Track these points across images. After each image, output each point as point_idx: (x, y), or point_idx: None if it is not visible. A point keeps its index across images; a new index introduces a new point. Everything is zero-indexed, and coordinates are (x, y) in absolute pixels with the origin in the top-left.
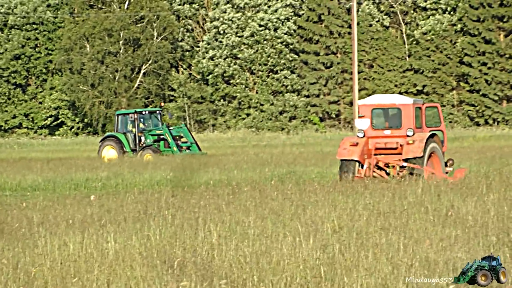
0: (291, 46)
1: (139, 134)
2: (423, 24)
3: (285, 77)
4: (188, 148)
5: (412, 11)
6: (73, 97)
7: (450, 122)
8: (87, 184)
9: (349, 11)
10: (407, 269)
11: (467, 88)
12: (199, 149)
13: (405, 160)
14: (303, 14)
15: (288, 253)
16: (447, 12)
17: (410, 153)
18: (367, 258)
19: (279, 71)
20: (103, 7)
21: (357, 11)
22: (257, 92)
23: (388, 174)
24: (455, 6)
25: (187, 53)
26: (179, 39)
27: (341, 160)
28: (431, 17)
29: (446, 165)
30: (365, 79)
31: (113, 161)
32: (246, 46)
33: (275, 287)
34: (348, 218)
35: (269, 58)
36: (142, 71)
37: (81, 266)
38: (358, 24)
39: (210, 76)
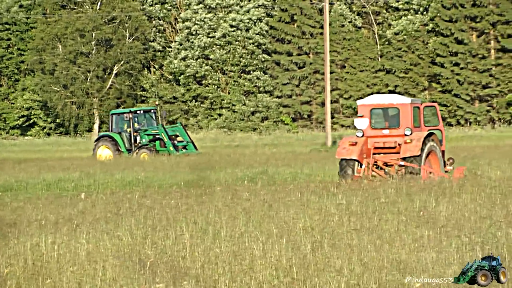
0: (263, 47)
1: (135, 134)
2: (395, 24)
3: (257, 78)
4: (184, 147)
5: (384, 12)
6: (45, 98)
7: None
8: (59, 184)
9: (321, 11)
10: (379, 269)
11: (439, 88)
12: (196, 148)
13: (403, 159)
14: (275, 14)
15: (260, 254)
16: (419, 13)
17: (407, 152)
18: (339, 258)
19: (251, 72)
20: (75, 7)
21: (329, 11)
22: (229, 93)
23: (386, 173)
24: (427, 7)
25: (159, 53)
26: (151, 39)
27: (341, 159)
28: (403, 17)
29: (445, 164)
30: (337, 79)
31: (109, 160)
32: (218, 46)
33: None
34: (320, 219)
35: (241, 59)
36: (114, 72)
37: (53, 266)
38: (330, 24)
39: (182, 76)
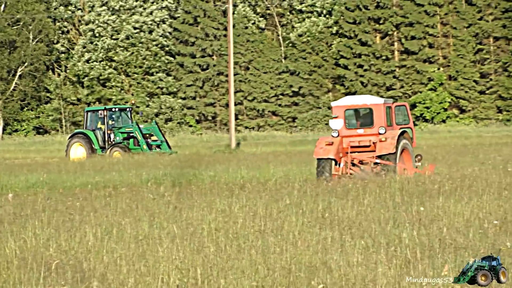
0: (166, 49)
1: (108, 132)
2: (298, 26)
3: (161, 79)
4: (158, 146)
5: (288, 14)
6: None
7: (326, 124)
8: None
9: (224, 13)
10: (283, 270)
11: (343, 90)
12: (169, 147)
13: (379, 157)
14: (178, 16)
15: (164, 255)
16: (322, 15)
17: (383, 150)
18: (243, 260)
19: (154, 73)
20: None
21: (233, 13)
22: (132, 95)
23: (362, 170)
24: (330, 9)
25: (63, 55)
26: (55, 41)
27: (318, 159)
28: (306, 19)
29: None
30: (241, 81)
31: (82, 160)
32: (121, 48)
33: None
34: (224, 220)
35: (144, 61)
36: (18, 73)
37: None
38: (234, 26)
39: (86, 78)
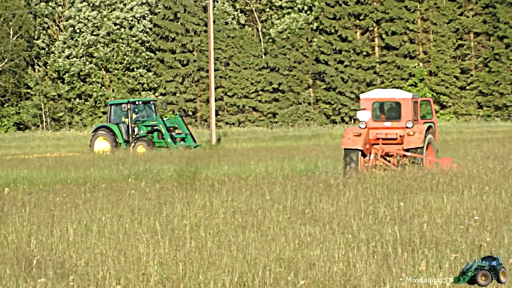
0: (147, 44)
1: (132, 125)
2: (279, 23)
3: (141, 75)
4: (182, 139)
5: (267, 10)
6: None
7: (307, 120)
8: None
9: (205, 9)
10: (264, 266)
11: (323, 86)
12: (194, 141)
13: (406, 150)
14: (159, 12)
15: (145, 251)
16: (303, 11)
17: (411, 144)
18: (224, 255)
19: (135, 69)
20: None
21: (213, 9)
22: (113, 91)
23: (389, 161)
24: (311, 5)
25: (43, 51)
26: (35, 37)
27: (345, 149)
28: (286, 15)
29: None
30: (221, 77)
31: (106, 153)
32: (102, 44)
33: (132, 285)
34: (205, 216)
35: (125, 57)
36: None
37: None
38: (214, 22)
39: (67, 74)
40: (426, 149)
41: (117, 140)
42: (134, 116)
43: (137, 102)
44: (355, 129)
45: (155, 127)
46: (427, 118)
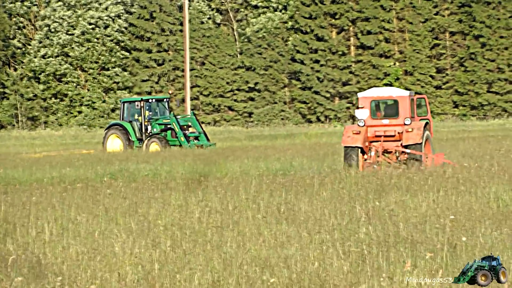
0: (122, 44)
1: (146, 123)
2: (254, 22)
3: (117, 74)
4: (196, 138)
5: (243, 9)
6: None
7: (282, 119)
8: None
9: (180, 8)
10: (240, 266)
11: (299, 85)
12: (208, 139)
13: (405, 147)
14: (134, 11)
15: (120, 250)
16: (278, 10)
17: (410, 140)
18: (199, 255)
19: (110, 69)
20: None
21: (189, 8)
22: (88, 90)
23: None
24: (286, 4)
25: (19, 50)
26: (11, 36)
27: (345, 146)
28: (262, 15)
29: None
30: (197, 76)
31: (119, 152)
32: (77, 44)
33: (108, 284)
34: (181, 216)
35: (100, 56)
36: None
37: None
38: (189, 21)
39: (42, 74)
40: (424, 145)
41: (130, 138)
42: (147, 113)
43: (150, 100)
44: (354, 127)
45: (169, 126)
46: (422, 115)
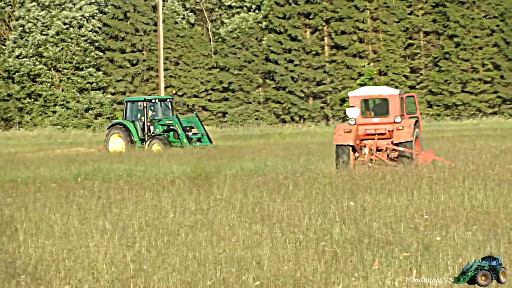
0: (96, 44)
1: (148, 123)
2: (228, 22)
3: (91, 75)
4: (198, 140)
5: (217, 9)
6: None
7: (256, 119)
8: None
9: (154, 8)
10: (214, 266)
11: (273, 85)
12: (210, 141)
13: (396, 145)
14: (108, 11)
15: (95, 250)
16: (252, 10)
17: (401, 138)
18: (174, 255)
19: (84, 69)
20: None
21: (163, 8)
22: (62, 90)
23: (390, 158)
24: (259, 4)
25: None
26: None
27: (337, 145)
28: (236, 15)
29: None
30: (171, 76)
31: (121, 152)
32: (51, 44)
33: (82, 285)
34: (155, 215)
35: (74, 56)
36: None
37: None
38: (163, 21)
39: (16, 74)
40: (414, 143)
41: (132, 138)
42: (150, 113)
43: (153, 100)
44: (345, 126)
45: (171, 127)
46: (411, 113)
